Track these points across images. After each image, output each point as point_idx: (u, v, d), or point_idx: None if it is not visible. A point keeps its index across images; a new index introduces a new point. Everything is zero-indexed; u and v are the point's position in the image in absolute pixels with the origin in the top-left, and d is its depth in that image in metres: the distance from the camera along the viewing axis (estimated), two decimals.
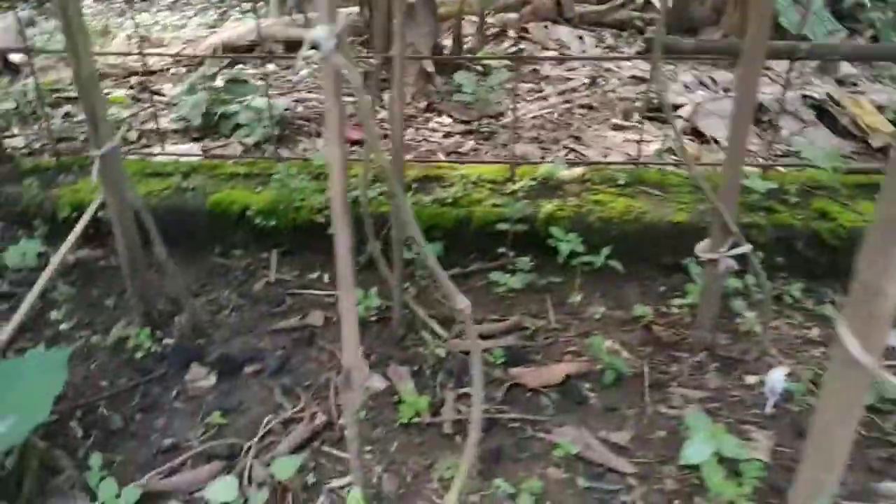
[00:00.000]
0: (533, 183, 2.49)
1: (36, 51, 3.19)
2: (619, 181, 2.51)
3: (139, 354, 1.99)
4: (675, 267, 2.30)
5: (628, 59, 4.87)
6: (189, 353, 1.98)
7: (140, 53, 2.70)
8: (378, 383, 1.32)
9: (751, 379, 1.89)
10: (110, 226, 2.49)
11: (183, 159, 2.79)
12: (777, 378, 1.79)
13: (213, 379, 1.91)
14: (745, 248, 1.81)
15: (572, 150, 3.61)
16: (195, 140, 3.65)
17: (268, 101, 2.67)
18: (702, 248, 1.89)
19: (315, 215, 2.38)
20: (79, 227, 2.16)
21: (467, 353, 1.98)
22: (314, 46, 1.04)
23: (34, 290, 2.04)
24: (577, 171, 2.59)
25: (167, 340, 2.06)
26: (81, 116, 3.79)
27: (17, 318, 1.97)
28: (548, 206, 2.35)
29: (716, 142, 3.64)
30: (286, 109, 3.76)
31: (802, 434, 1.72)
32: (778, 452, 1.68)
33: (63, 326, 2.12)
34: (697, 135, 3.80)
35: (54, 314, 2.14)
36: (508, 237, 2.31)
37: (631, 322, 2.11)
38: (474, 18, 5.33)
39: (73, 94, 4.34)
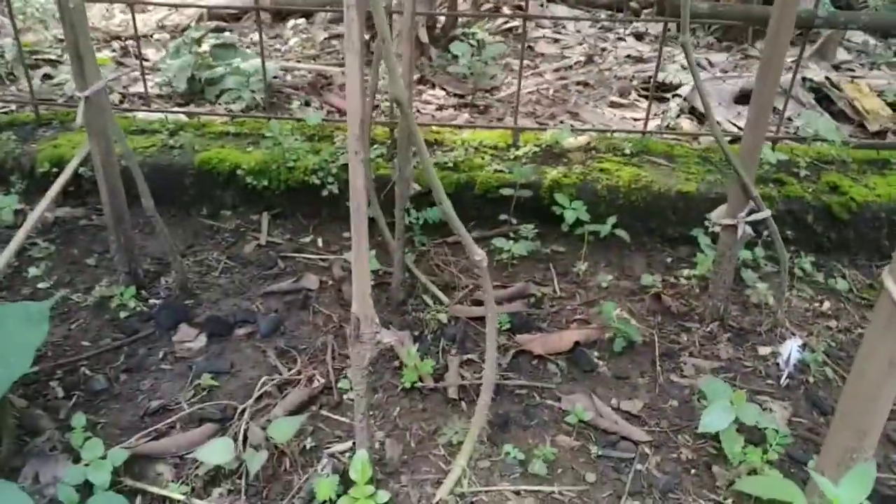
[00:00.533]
0: (537, 149, 2.41)
1: None
2: (625, 151, 2.43)
3: (123, 314, 1.88)
4: (682, 238, 2.24)
5: (645, 20, 4.79)
6: (177, 312, 1.87)
7: (128, 2, 2.56)
8: (389, 337, 1.23)
9: (763, 350, 1.83)
10: (92, 184, 2.37)
11: (171, 117, 2.67)
12: (792, 349, 1.73)
13: (202, 340, 1.80)
14: (765, 213, 1.74)
15: (570, 125, 3.53)
16: (179, 106, 3.52)
17: (262, 60, 2.55)
18: (718, 214, 1.83)
19: (309, 176, 2.28)
20: (59, 183, 2.03)
21: (470, 319, 1.90)
22: None
23: (10, 246, 1.91)
24: (582, 139, 2.51)
25: (153, 301, 1.95)
26: (60, 78, 3.63)
27: None
28: (552, 173, 2.27)
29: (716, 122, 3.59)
30: (275, 77, 3.64)
31: (818, 405, 1.67)
32: (794, 423, 1.62)
33: (41, 284, 1.99)
34: (695, 112, 3.75)
35: (33, 270, 2.01)
36: (511, 203, 2.23)
37: (639, 291, 2.05)
38: None
39: (52, 56, 4.17)
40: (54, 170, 2.32)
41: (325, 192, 2.26)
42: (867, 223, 2.19)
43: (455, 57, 3.80)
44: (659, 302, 1.97)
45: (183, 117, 2.80)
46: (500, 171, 2.30)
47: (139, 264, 2.01)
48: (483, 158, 2.38)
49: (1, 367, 1.34)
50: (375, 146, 2.36)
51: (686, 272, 2.10)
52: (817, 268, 2.15)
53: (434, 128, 2.61)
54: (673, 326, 1.91)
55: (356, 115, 1.06)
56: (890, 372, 1.18)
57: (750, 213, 1.76)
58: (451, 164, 2.32)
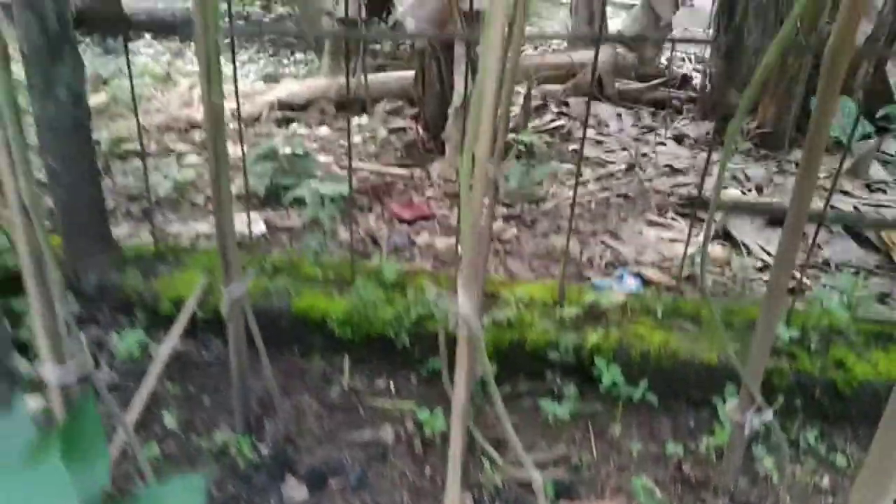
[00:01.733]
0: (579, 310, 2.79)
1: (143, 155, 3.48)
2: (657, 313, 2.80)
3: (240, 462, 2.30)
4: (704, 402, 2.60)
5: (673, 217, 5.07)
6: (283, 463, 2.29)
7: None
8: None
9: None
10: (204, 322, 2.82)
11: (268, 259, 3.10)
12: None
13: (304, 492, 2.22)
14: (768, 416, 2.10)
15: (609, 247, 3.90)
16: (255, 209, 3.99)
17: (349, 188, 2.96)
18: (731, 408, 2.19)
19: (385, 329, 2.69)
20: (180, 324, 2.47)
21: (523, 484, 2.28)
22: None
23: (144, 388, 2.36)
24: (620, 298, 2.88)
25: (261, 447, 2.37)
26: (154, 179, 4.11)
27: (132, 417, 2.31)
28: (593, 337, 2.65)
29: (746, 247, 3.91)
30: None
31: None
32: None
33: (170, 426, 2.43)
34: (727, 237, 4.09)
35: (167, 418, 2.43)
36: (557, 364, 2.61)
37: (663, 458, 2.41)
38: (518, 88, 5.63)
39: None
40: (172, 307, 2.77)
41: (398, 345, 2.67)
42: (868, 399, 2.53)
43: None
44: (680, 472, 2.33)
45: (276, 256, 3.23)
46: (547, 330, 2.69)
47: (251, 411, 2.44)
48: (533, 315, 2.77)
49: None
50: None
51: (706, 440, 2.46)
52: (820, 439, 2.49)
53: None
54: (691, 496, 2.27)
55: (462, 398, 1.46)
56: None
57: (759, 411, 2.13)
58: (506, 323, 2.71)
